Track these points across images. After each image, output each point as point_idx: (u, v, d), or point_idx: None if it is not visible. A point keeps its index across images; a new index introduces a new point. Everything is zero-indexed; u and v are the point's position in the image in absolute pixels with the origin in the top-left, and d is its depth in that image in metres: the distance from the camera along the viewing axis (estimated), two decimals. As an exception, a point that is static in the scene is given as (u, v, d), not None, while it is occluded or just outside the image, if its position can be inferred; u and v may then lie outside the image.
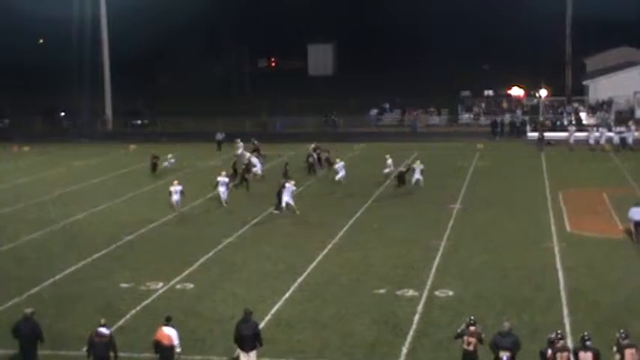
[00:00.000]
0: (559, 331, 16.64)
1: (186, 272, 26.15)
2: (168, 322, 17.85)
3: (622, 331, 16.43)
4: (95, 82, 79.62)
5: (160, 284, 24.78)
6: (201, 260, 27.61)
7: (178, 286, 24.74)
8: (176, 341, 17.60)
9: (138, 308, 22.61)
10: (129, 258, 28.29)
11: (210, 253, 28.49)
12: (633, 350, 15.86)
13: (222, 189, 37.10)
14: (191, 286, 24.73)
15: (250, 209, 35.85)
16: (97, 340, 17.37)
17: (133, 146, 58.93)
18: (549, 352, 16.01)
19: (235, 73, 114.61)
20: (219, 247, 29.42)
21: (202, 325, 21.19)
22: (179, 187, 35.30)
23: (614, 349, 16.05)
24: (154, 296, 23.77)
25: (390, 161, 42.43)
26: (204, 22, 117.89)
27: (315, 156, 46.48)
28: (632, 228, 28.98)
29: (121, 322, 21.38)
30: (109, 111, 77.84)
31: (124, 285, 24.86)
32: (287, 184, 35.30)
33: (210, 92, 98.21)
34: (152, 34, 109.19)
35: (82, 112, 79.94)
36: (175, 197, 35.18)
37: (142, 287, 24.57)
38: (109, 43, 77.30)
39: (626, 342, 16.01)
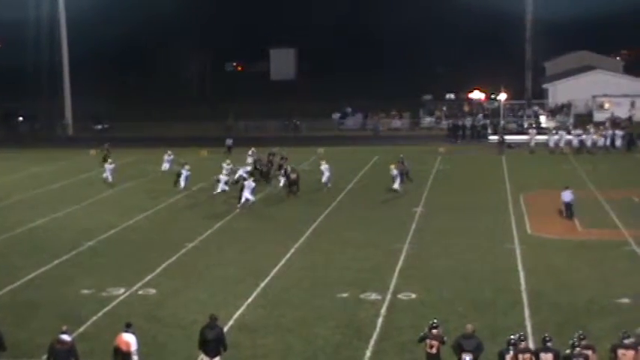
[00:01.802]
0: (521, 333, 16.78)
1: (149, 277, 25.93)
2: (128, 328, 17.67)
3: (580, 332, 16.62)
4: (54, 86, 78.67)
5: (122, 290, 24.54)
6: (164, 265, 27.39)
7: (140, 292, 24.52)
8: (134, 347, 17.42)
9: (99, 314, 22.36)
10: (90, 264, 27.98)
11: (173, 258, 28.28)
12: (589, 352, 16.05)
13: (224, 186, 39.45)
14: (153, 291, 24.53)
15: (212, 214, 35.69)
16: (58, 348, 17.13)
17: (93, 151, 58.29)
18: (511, 353, 16.13)
19: (199, 76, 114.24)
20: (182, 251, 29.22)
21: (164, 331, 21.02)
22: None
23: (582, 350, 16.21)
24: (115, 302, 23.53)
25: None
26: (169, 25, 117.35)
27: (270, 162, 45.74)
28: (564, 210, 33.15)
29: (82, 329, 21.13)
30: (68, 115, 76.94)
31: (84, 291, 24.57)
32: (246, 182, 36.09)
33: (175, 96, 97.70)
34: (115, 38, 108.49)
35: (40, 117, 78.99)
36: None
37: (104, 293, 24.31)
38: (68, 45, 76.40)
39: (583, 343, 16.20)
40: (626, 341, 16.24)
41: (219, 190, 39.55)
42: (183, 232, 32.35)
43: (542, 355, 16.09)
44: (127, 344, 17.37)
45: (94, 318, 22.10)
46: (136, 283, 25.25)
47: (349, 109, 77.77)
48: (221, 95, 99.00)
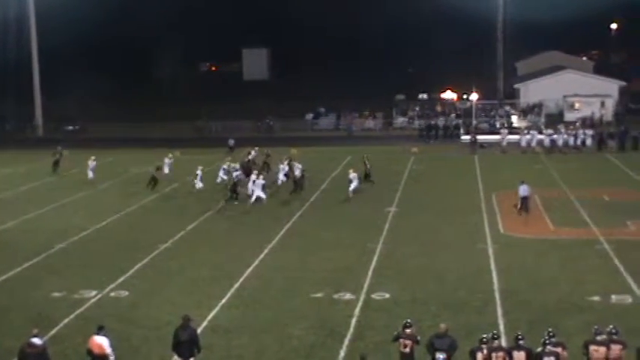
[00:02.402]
0: (495, 332, 16.86)
1: (121, 279, 25.75)
2: (99, 330, 17.53)
3: (550, 330, 16.77)
4: (24, 87, 77.78)
5: (94, 292, 24.35)
6: (136, 267, 27.22)
7: (113, 294, 24.35)
8: (108, 349, 17.28)
9: (71, 317, 22.16)
10: (61, 266, 27.71)
11: (146, 260, 28.11)
12: (559, 349, 16.18)
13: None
14: (126, 293, 24.36)
15: (186, 216, 35.54)
16: (29, 351, 16.94)
17: (66, 152, 57.66)
18: (484, 351, 16.21)
19: (172, 77, 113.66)
20: (155, 253, 29.05)
21: (137, 333, 20.89)
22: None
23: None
24: (87, 304, 23.34)
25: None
26: (142, 25, 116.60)
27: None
28: (519, 203, 34.20)
29: (53, 332, 20.93)
30: (39, 116, 76.17)
31: (56, 294, 24.34)
32: (257, 179, 36.96)
33: (148, 96, 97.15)
34: (87, 37, 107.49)
35: (10, 118, 78.09)
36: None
37: (75, 296, 24.11)
38: (38, 46, 75.61)
39: (554, 340, 16.32)
40: (599, 338, 16.42)
41: (218, 180, 41.07)
42: (156, 233, 32.16)
43: (515, 353, 16.19)
44: (100, 347, 17.25)
45: (66, 320, 21.90)
46: (109, 285, 25.07)
47: (322, 110, 77.78)
48: (194, 95, 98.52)
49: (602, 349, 16.24)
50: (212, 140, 66.50)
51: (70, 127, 75.76)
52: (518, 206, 34.44)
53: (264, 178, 38.71)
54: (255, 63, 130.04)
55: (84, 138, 69.36)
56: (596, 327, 16.82)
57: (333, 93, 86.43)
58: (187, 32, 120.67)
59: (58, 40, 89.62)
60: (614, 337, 16.41)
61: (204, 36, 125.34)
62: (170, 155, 47.12)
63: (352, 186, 38.95)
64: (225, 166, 42.44)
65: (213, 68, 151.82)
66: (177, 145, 59.58)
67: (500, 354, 16.16)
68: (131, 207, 37.89)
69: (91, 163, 45.00)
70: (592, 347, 16.29)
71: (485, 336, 16.51)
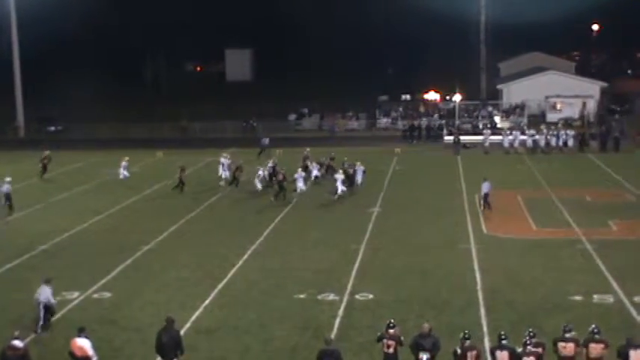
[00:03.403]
0: (466, 331, 16.91)
1: (104, 281, 25.64)
2: (81, 332, 17.46)
3: (530, 330, 16.87)
4: (5, 87, 77.18)
5: (76, 294, 24.24)
6: (119, 268, 27.11)
7: (95, 296, 24.24)
8: (90, 352, 17.21)
9: (53, 319, 22.00)
10: (43, 268, 27.43)
11: (128, 261, 28.01)
12: (540, 350, 16.30)
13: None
14: (108, 294, 24.26)
15: (169, 217, 35.43)
16: (10, 354, 16.84)
17: (47, 152, 57.28)
18: (458, 351, 16.34)
19: (156, 77, 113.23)
20: (138, 254, 28.95)
21: (120, 335, 20.81)
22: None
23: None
24: (69, 306, 23.24)
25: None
26: (125, 25, 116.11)
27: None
28: (482, 200, 35.17)
29: (35, 335, 20.79)
30: (20, 117, 75.61)
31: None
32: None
33: (131, 96, 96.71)
34: (71, 37, 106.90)
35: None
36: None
37: (58, 297, 23.89)
38: (19, 45, 75.02)
39: (534, 341, 16.42)
40: (568, 335, 16.67)
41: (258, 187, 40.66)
42: (139, 234, 32.05)
43: (498, 353, 16.28)
44: (81, 349, 17.17)
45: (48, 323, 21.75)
46: (91, 286, 24.96)
47: (306, 110, 77.71)
48: (178, 96, 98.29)
49: (571, 346, 16.47)
50: (195, 141, 66.32)
51: (53, 128, 75.25)
52: (481, 203, 35.35)
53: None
54: (238, 64, 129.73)
55: (67, 139, 68.92)
56: (565, 324, 17.06)
57: (316, 94, 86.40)
58: (173, 32, 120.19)
59: (41, 39, 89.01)
60: (596, 336, 16.53)
61: (190, 36, 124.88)
62: (225, 154, 46.15)
63: (340, 188, 38.96)
64: (224, 161, 43.09)
65: (199, 68, 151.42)
66: (160, 145, 59.42)
67: (474, 352, 16.28)
68: (114, 208, 37.72)
69: (124, 163, 45.19)
70: (560, 344, 16.52)
71: (467, 332, 16.62)
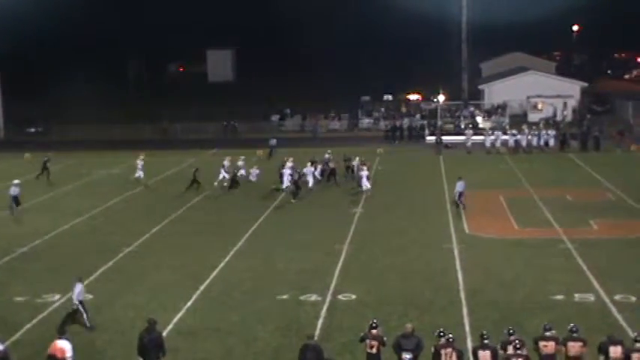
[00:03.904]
0: (441, 329, 16.96)
1: (85, 283, 25.40)
2: (61, 335, 17.33)
3: (510, 328, 16.99)
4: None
5: (57, 296, 24.06)
6: (101, 270, 26.97)
7: (77, 298, 24.05)
8: (69, 354, 17.09)
9: (34, 322, 21.89)
10: (23, 271, 27.35)
11: (110, 263, 27.86)
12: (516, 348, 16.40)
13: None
14: (90, 296, 24.04)
15: (150, 218, 35.29)
16: (-10, 356, 16.73)
17: (27, 155, 57.05)
18: (433, 349, 16.51)
19: (138, 77, 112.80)
20: (120, 256, 28.81)
21: (102, 337, 20.69)
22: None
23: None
24: (50, 309, 23.06)
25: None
26: (107, 24, 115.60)
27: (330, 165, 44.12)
28: (456, 198, 35.68)
29: (16, 337, 20.69)
30: (0, 118, 75.06)
31: (18, 298, 24.03)
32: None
33: (113, 98, 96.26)
34: (52, 38, 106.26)
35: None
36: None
37: (38, 300, 23.81)
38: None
39: (513, 338, 16.55)
40: (548, 333, 16.81)
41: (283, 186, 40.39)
42: (121, 236, 31.90)
43: (480, 353, 16.33)
44: (62, 351, 17.04)
45: (29, 325, 21.63)
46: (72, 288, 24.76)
47: (288, 111, 77.69)
48: (160, 97, 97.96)
49: (551, 344, 16.58)
50: (177, 142, 66.13)
51: (33, 129, 74.73)
52: (456, 201, 35.78)
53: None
54: (220, 64, 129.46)
55: (47, 140, 68.49)
56: (545, 324, 17.18)
57: (298, 94, 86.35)
58: (156, 33, 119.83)
59: (21, 40, 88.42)
60: (574, 334, 16.69)
61: (173, 37, 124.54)
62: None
63: (364, 182, 39.52)
64: (226, 163, 43.13)
65: (181, 69, 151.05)
66: (142, 147, 59.15)
67: (449, 350, 16.37)
68: (96, 210, 37.52)
69: (139, 162, 44.59)
70: (541, 343, 16.63)
71: (450, 335, 16.63)
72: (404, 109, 75.49)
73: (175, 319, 21.88)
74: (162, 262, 27.97)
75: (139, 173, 43.76)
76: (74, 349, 17.32)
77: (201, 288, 24.75)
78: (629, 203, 36.14)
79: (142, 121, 73.38)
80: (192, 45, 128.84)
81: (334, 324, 21.33)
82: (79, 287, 21.37)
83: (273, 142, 56.84)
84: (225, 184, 42.20)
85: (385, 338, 17.19)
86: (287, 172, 40.51)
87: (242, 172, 43.79)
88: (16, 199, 36.77)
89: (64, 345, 17.11)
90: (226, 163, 43.26)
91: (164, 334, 19.23)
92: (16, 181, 37.33)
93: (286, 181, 40.29)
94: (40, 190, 42.92)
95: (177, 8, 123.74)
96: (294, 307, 22.84)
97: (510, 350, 16.22)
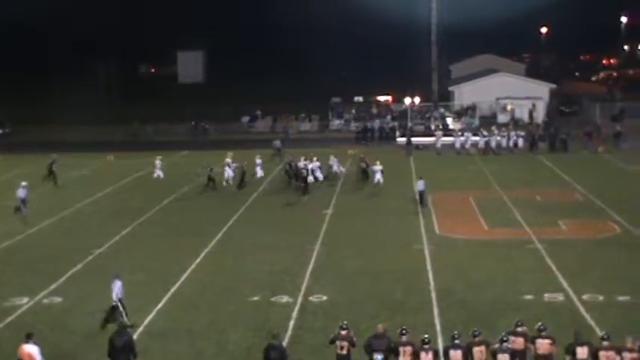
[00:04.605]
0: (404, 327, 17.10)
1: (54, 285, 25.26)
2: (29, 339, 17.15)
3: (475, 329, 17.14)
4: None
5: (25, 299, 23.84)
6: (70, 273, 26.75)
7: (45, 301, 23.87)
8: (38, 358, 16.92)
9: (1, 325, 21.65)
10: (-9, 273, 27.06)
11: (79, 265, 27.64)
12: (482, 347, 16.64)
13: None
14: (59, 299, 23.91)
15: (120, 220, 35.05)
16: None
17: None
18: (392, 345, 16.77)
19: (108, 78, 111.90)
20: (89, 258, 28.60)
21: (72, 340, 20.53)
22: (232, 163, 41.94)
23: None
24: (19, 312, 22.84)
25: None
26: (76, 23, 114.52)
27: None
28: (417, 197, 36.89)
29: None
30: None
31: (-14, 302, 23.78)
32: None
33: (83, 98, 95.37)
34: (19, 36, 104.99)
35: None
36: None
37: (6, 303, 23.56)
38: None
39: (477, 339, 16.75)
40: (519, 329, 17.13)
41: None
42: (91, 238, 31.66)
43: (452, 352, 16.45)
44: (30, 356, 16.88)
45: (-4, 329, 21.42)
46: (41, 291, 24.57)
47: (258, 112, 77.57)
48: (130, 98, 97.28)
49: (520, 340, 16.85)
50: (147, 144, 65.72)
51: (0, 131, 73.78)
52: (418, 200, 36.83)
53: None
54: (190, 65, 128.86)
55: (15, 141, 67.74)
56: (517, 320, 17.47)
57: (269, 95, 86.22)
58: (127, 33, 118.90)
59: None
60: (543, 333, 16.92)
61: (144, 38, 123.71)
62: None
63: (377, 176, 40.91)
64: (229, 160, 43.08)
65: (153, 70, 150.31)
66: (111, 148, 58.78)
67: (409, 348, 16.54)
68: (66, 211, 37.20)
69: (158, 162, 44.41)
70: (511, 338, 16.85)
71: (426, 336, 16.76)
72: (375, 111, 75.70)
73: (146, 321, 21.77)
74: (133, 263, 27.79)
75: (158, 173, 43.66)
76: (42, 352, 17.16)
77: (172, 290, 24.64)
78: (597, 204, 36.53)
79: (112, 123, 72.84)
80: (163, 46, 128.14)
81: (305, 325, 21.34)
82: (117, 284, 21.35)
83: (277, 143, 56.44)
84: (230, 182, 42.13)
85: (355, 339, 17.24)
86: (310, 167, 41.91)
87: (259, 169, 43.98)
88: (23, 202, 36.33)
89: (31, 349, 16.94)
90: (229, 161, 43.08)
91: (135, 336, 19.13)
92: (23, 183, 36.89)
93: (320, 175, 42.31)
94: (9, 193, 42.36)
95: (149, 9, 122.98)
96: (265, 308, 22.82)
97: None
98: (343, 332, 17.22)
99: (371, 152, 57.55)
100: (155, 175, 44.02)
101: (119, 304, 21.23)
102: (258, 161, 45.07)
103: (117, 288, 21.36)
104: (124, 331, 17.47)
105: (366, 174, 43.04)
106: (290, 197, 39.63)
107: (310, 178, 41.17)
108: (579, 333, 17.01)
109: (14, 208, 36.33)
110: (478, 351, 16.47)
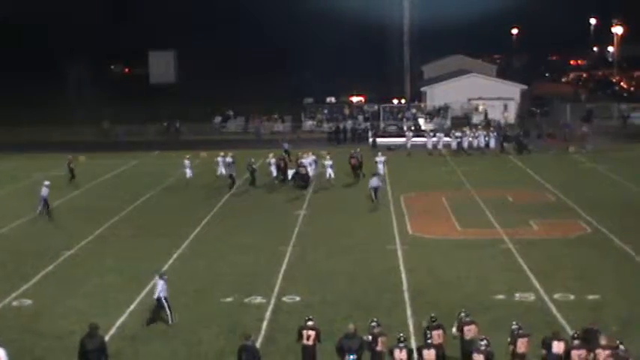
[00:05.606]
0: (375, 319, 17.22)
1: (24, 288, 24.98)
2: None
3: (432, 315, 18.07)
4: None
5: (-6, 301, 23.58)
6: (40, 275, 26.48)
7: (15, 303, 23.60)
8: (5, 361, 16.76)
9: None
10: (-40, 275, 26.71)
11: (50, 267, 27.37)
12: (440, 331, 17.53)
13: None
14: (29, 302, 23.65)
15: (91, 222, 34.75)
16: None
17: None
18: (369, 338, 17.22)
19: (79, 78, 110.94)
20: (60, 260, 28.33)
21: (41, 343, 20.30)
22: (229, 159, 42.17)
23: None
24: (-12, 314, 22.57)
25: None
26: (50, 22, 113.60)
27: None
28: (372, 194, 36.97)
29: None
30: None
31: (-46, 304, 23.47)
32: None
33: (52, 98, 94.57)
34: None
35: None
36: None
37: (-24, 306, 23.29)
38: None
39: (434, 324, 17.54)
40: (468, 318, 18.00)
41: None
42: (61, 239, 31.35)
43: (425, 352, 16.57)
44: (-4, 359, 16.70)
45: (-35, 332, 21.10)
46: (10, 293, 24.30)
47: (231, 112, 77.37)
48: (100, 98, 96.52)
49: (473, 327, 17.88)
50: (118, 145, 65.27)
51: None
52: (372, 197, 37.10)
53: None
54: (162, 65, 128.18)
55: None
56: (463, 309, 18.48)
57: (241, 96, 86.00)
58: (98, 33, 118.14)
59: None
60: (520, 331, 17.12)
61: (115, 38, 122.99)
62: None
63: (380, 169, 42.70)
64: (222, 159, 43.28)
65: (126, 70, 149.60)
66: (82, 149, 58.25)
67: (384, 338, 17.00)
68: (35, 212, 36.77)
69: (187, 162, 43.79)
70: (466, 328, 17.84)
71: (402, 335, 16.85)
72: (347, 111, 75.78)
73: (118, 323, 21.60)
74: (104, 265, 27.58)
75: (188, 172, 43.31)
76: (9, 355, 16.95)
77: (144, 292, 24.45)
78: (568, 204, 36.84)
79: (82, 123, 72.22)
80: (135, 46, 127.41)
81: (279, 326, 21.30)
82: (160, 283, 21.29)
83: (285, 145, 56.13)
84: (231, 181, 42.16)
85: (320, 331, 17.60)
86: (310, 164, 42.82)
87: (273, 168, 43.86)
88: (45, 201, 35.93)
89: (-2, 353, 16.76)
90: (228, 159, 43.10)
91: (106, 338, 18.96)
92: (46, 182, 36.48)
93: (330, 173, 42.75)
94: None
95: (120, 8, 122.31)
96: (238, 309, 22.74)
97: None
98: (310, 323, 17.65)
99: (342, 152, 57.65)
100: (187, 175, 43.37)
101: (164, 302, 21.30)
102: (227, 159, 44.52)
103: (160, 286, 21.37)
104: (96, 333, 17.31)
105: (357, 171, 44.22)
106: (263, 198, 39.51)
107: (310, 171, 42.47)
108: (557, 332, 17.37)
109: (44, 212, 35.89)
110: (436, 334, 17.34)
